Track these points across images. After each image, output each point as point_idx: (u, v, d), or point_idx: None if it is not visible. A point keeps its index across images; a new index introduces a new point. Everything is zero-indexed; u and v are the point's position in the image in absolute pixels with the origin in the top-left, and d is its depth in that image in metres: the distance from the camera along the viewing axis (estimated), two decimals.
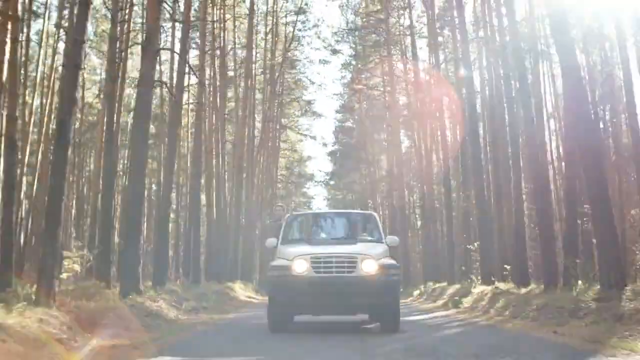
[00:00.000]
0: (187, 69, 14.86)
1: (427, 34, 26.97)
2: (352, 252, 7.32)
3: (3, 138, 10.26)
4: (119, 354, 5.84)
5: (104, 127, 15.12)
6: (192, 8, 15.11)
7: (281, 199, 38.12)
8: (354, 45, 34.31)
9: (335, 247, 7.63)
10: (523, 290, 12.55)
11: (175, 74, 16.36)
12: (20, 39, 12.41)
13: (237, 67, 27.29)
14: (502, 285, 14.52)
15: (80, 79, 9.44)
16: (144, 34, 11.46)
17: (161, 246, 15.26)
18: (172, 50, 14.44)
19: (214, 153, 22.52)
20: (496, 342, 6.57)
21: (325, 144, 49.80)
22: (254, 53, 25.82)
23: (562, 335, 6.94)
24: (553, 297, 10.06)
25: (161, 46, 13.80)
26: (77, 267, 8.83)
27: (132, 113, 16.14)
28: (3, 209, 9.91)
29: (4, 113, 10.11)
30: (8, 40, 9.51)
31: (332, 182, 47.51)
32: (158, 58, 13.62)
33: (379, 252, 7.52)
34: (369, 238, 8.32)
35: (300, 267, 7.16)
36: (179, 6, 13.93)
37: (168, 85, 14.25)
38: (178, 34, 17.10)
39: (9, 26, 9.44)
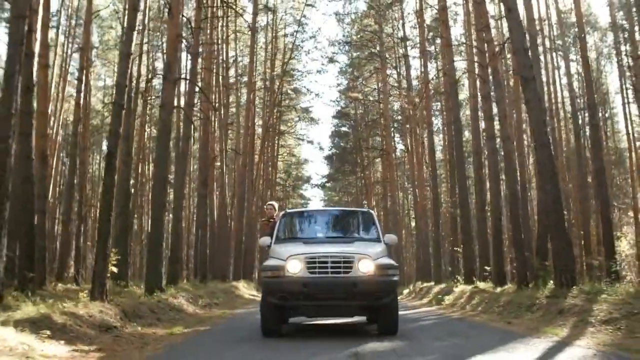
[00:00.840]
0: (196, 89, 16.49)
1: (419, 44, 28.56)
2: (348, 252, 6.95)
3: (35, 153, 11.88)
4: (163, 338, 7.49)
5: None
6: (200, 36, 16.60)
7: (279, 201, 39.73)
8: (349, 55, 36.14)
9: (330, 247, 7.22)
10: (498, 289, 14.22)
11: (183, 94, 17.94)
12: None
13: (239, 78, 28.95)
14: (481, 285, 16.18)
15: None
16: (165, 66, 13.05)
17: (175, 249, 16.90)
18: (187, 79, 15.97)
19: (217, 160, 24.20)
20: (456, 330, 8.24)
21: (321, 148, 51.57)
22: (254, 65, 27.44)
23: (513, 325, 8.64)
24: (517, 295, 11.76)
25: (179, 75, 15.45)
26: (114, 269, 10.40)
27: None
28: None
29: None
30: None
31: (328, 185, 49.17)
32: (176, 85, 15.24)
33: (376, 251, 7.18)
34: (366, 237, 8.05)
35: (294, 268, 6.82)
36: (191, 38, 15.46)
37: (184, 108, 15.78)
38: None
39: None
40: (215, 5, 19.62)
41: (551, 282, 11.48)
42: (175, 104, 17.12)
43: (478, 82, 19.60)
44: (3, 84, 7.46)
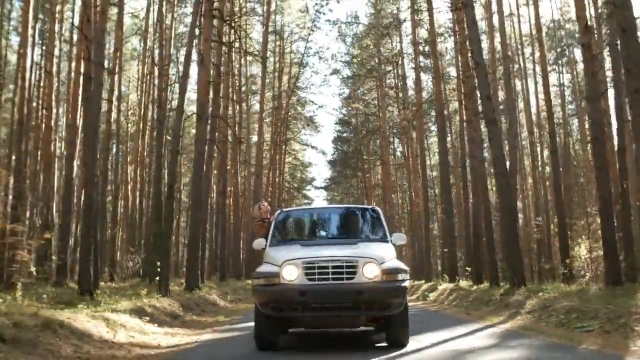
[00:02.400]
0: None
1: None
2: (351, 255, 6.30)
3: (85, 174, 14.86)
4: (212, 324, 10.50)
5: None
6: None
7: (284, 201, 42.69)
8: (351, 68, 39.13)
9: (332, 249, 6.59)
10: (474, 287, 17.18)
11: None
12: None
13: (249, 94, 31.97)
14: (462, 283, 19.15)
15: None
16: (198, 107, 16.00)
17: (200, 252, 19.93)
18: (217, 116, 18.85)
19: (232, 172, 27.25)
20: (424, 318, 11.19)
21: (324, 153, 54.56)
22: (264, 86, 30.50)
23: (470, 315, 11.62)
24: (484, 293, 14.74)
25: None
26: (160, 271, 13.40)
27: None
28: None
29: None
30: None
31: (331, 186, 52.22)
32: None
33: (383, 253, 6.53)
34: (372, 237, 7.41)
35: (291, 274, 6.17)
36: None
37: (212, 139, 18.72)
38: None
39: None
40: (238, 48, 22.40)
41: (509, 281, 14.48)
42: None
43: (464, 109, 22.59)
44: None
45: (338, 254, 6.36)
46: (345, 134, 48.14)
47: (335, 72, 39.18)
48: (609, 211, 12.37)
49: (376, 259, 6.31)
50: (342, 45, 35.09)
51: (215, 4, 16.58)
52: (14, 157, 19.82)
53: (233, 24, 18.59)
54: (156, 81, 24.36)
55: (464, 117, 22.03)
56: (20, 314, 6.04)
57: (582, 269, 19.31)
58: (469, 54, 17.06)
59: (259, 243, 7.35)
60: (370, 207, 8.25)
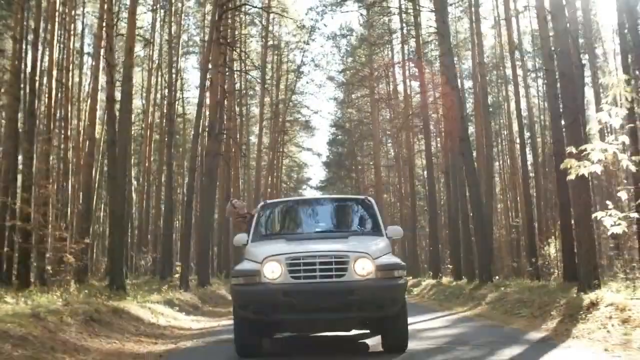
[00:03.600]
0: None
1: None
2: (341, 250, 5.76)
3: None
4: (228, 313, 12.67)
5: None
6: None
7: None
8: (345, 74, 41.37)
9: (319, 244, 6.07)
10: (454, 283, 19.40)
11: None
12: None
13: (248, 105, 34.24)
14: (444, 280, 21.36)
15: None
16: (209, 125, 18.13)
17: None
18: (223, 132, 20.93)
19: (234, 175, 29.48)
20: None
21: (319, 155, 56.72)
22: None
23: (441, 307, 13.83)
24: (456, 288, 16.97)
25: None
26: (180, 270, 15.58)
27: None
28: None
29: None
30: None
31: (326, 187, 54.44)
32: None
33: (377, 247, 5.97)
34: (365, 230, 6.82)
35: (273, 272, 5.61)
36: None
37: (222, 154, 20.82)
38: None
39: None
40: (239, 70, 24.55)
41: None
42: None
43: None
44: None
45: (326, 249, 5.83)
46: (339, 137, 50.34)
47: (330, 78, 41.41)
48: (567, 215, 14.28)
49: (369, 253, 5.71)
50: (337, 53, 36.84)
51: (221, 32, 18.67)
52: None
53: (237, 50, 20.66)
54: (165, 92, 26.42)
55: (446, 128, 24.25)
56: (94, 304, 8.21)
57: (552, 267, 21.65)
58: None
59: (239, 239, 6.57)
60: (362, 197, 7.42)
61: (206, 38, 18.76)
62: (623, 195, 7.15)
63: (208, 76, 17.42)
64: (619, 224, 6.36)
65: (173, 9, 26.48)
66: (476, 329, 8.35)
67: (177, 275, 17.29)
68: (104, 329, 7.25)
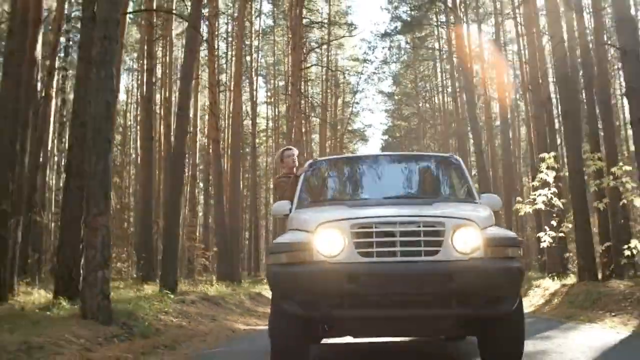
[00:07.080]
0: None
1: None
2: (433, 215, 3.88)
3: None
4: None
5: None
6: None
7: None
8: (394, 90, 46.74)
9: (398, 208, 4.16)
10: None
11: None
12: None
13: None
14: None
15: None
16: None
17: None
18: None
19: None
20: None
21: None
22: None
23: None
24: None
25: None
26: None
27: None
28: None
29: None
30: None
31: None
32: None
33: (482, 215, 4.10)
34: (454, 195, 5.02)
35: (331, 245, 3.77)
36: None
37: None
38: None
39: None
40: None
41: None
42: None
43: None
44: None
45: (410, 213, 3.95)
46: (391, 142, 55.53)
47: (381, 92, 46.75)
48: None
49: (474, 220, 3.88)
50: (387, 70, 41.70)
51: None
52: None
53: (308, 96, 26.60)
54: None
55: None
56: (247, 290, 13.99)
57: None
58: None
59: (279, 207, 4.84)
60: (447, 155, 5.59)
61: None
62: (554, 222, 12.47)
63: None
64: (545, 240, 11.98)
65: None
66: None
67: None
68: (259, 303, 13.04)
